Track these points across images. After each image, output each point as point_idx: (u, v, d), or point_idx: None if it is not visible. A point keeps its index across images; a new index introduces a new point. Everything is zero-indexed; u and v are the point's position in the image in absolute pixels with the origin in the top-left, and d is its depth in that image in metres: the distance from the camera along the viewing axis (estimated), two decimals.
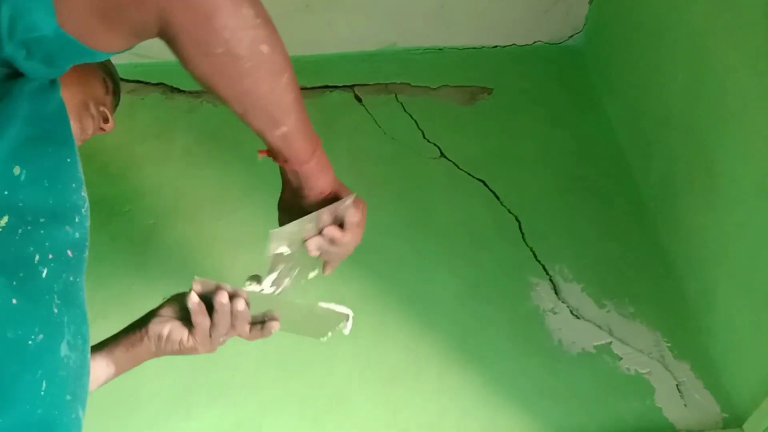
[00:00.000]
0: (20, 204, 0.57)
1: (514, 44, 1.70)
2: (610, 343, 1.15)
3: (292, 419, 1.08)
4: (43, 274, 0.56)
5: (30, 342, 0.53)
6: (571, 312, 1.20)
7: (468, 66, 1.65)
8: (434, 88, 1.59)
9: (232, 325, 0.75)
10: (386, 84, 1.60)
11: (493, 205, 1.35)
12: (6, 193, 0.56)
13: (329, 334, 0.80)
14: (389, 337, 1.15)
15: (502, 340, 1.16)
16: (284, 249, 0.76)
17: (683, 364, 1.11)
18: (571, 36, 1.69)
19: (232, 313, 0.74)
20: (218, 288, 0.72)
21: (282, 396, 1.09)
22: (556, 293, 1.22)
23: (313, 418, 1.07)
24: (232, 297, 0.73)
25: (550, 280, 1.24)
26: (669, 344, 1.13)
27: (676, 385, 1.08)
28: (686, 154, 1.17)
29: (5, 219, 0.57)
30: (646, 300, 1.20)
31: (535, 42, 1.70)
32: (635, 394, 1.08)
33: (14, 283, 0.55)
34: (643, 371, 1.11)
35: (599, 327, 1.17)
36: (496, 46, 1.70)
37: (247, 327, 0.76)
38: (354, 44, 1.62)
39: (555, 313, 1.20)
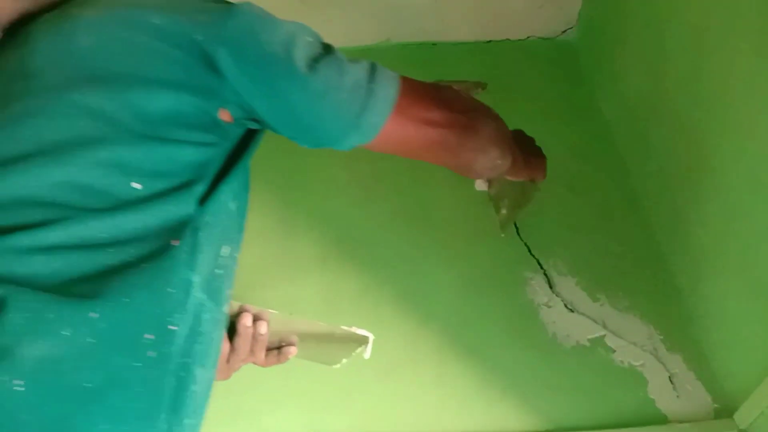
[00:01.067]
0: (232, 236, 0.68)
1: (508, 39, 1.70)
2: (604, 336, 1.17)
3: (291, 413, 1.09)
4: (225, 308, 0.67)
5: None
6: (566, 305, 1.21)
7: (462, 61, 1.65)
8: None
9: (251, 350, 0.75)
10: None
11: (487, 200, 1.36)
12: (227, 224, 0.66)
13: (344, 360, 0.80)
14: (387, 330, 1.16)
15: (498, 333, 1.17)
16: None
17: (676, 356, 1.13)
18: (565, 31, 1.69)
19: (253, 336, 0.74)
20: (242, 310, 0.71)
21: (281, 390, 1.11)
22: (551, 287, 1.24)
23: (312, 412, 1.09)
24: (254, 320, 0.73)
25: (545, 274, 1.25)
26: (662, 337, 1.15)
27: (669, 376, 1.10)
28: (681, 149, 1.18)
29: (227, 250, 0.67)
30: (640, 293, 1.21)
31: (528, 37, 1.70)
32: (629, 386, 1.10)
33: (223, 309, 0.66)
34: (637, 363, 1.12)
35: (593, 320, 1.19)
36: (490, 41, 1.70)
37: (264, 353, 0.77)
38: (349, 39, 1.62)
39: (549, 307, 1.21)
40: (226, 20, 0.63)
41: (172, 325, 0.57)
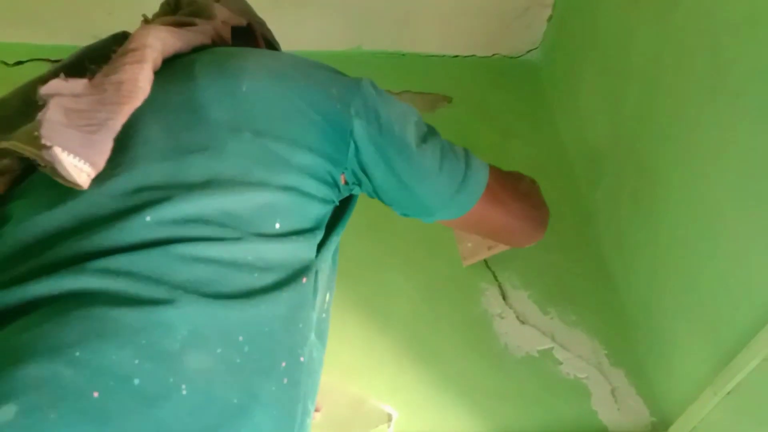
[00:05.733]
0: (332, 285, 0.77)
1: (475, 55, 1.75)
2: (552, 348, 1.22)
3: None
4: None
5: None
6: (518, 317, 1.26)
7: (429, 73, 1.70)
8: (396, 93, 1.63)
9: None
10: None
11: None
12: (329, 273, 0.76)
13: None
14: (347, 335, 1.19)
15: (452, 342, 1.21)
16: None
17: (618, 370, 1.19)
18: (529, 51, 1.75)
19: None
20: None
21: None
22: (504, 299, 1.29)
23: None
24: None
25: (499, 287, 1.30)
26: (606, 352, 1.22)
27: (611, 390, 1.17)
28: (632, 174, 1.25)
29: (329, 297, 0.76)
30: (588, 309, 1.28)
31: (494, 54, 1.76)
32: (573, 397, 1.16)
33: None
34: (582, 376, 1.18)
35: (543, 333, 1.24)
36: (457, 56, 1.75)
37: None
38: (320, 43, 1.65)
39: (502, 318, 1.26)
40: (355, 94, 0.70)
41: (301, 356, 0.62)
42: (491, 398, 1.15)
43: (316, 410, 0.81)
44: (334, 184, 0.71)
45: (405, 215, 0.83)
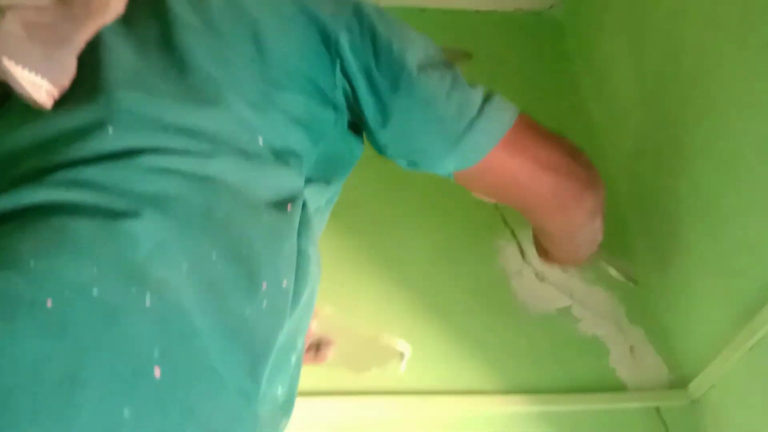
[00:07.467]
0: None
1: (496, 10, 1.71)
2: (571, 306, 1.21)
3: None
4: None
5: None
6: (536, 275, 1.25)
7: (450, 29, 1.66)
8: None
9: None
10: None
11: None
12: (322, 217, 0.75)
13: (371, 368, 0.79)
14: (362, 290, 1.19)
15: (469, 298, 1.20)
16: None
17: (637, 329, 1.18)
18: (551, 6, 1.71)
19: None
20: None
21: None
22: (523, 256, 1.27)
23: None
24: None
25: (518, 244, 1.29)
26: (625, 309, 1.20)
27: (630, 348, 1.15)
28: (656, 133, 1.22)
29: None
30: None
31: (516, 9, 1.72)
32: (591, 355, 1.15)
33: None
34: (600, 334, 1.17)
35: (561, 290, 1.23)
36: (478, 11, 1.71)
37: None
38: None
39: (521, 276, 1.25)
40: (350, 9, 0.65)
41: (284, 281, 0.56)
42: (508, 355, 1.14)
43: (329, 344, 0.79)
44: (327, 100, 0.66)
45: (413, 166, 0.73)
